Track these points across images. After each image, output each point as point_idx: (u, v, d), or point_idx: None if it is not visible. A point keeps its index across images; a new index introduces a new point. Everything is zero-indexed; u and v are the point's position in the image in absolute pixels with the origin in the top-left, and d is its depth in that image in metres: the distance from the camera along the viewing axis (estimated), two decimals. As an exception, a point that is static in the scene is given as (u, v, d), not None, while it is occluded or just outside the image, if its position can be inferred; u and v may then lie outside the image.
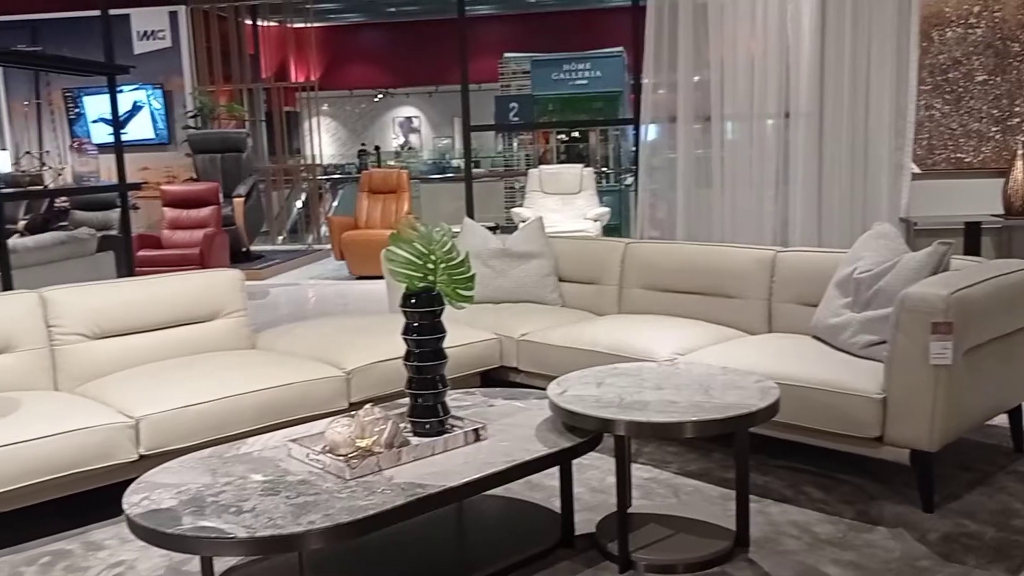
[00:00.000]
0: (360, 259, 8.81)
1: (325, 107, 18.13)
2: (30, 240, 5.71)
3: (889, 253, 3.28)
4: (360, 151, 17.92)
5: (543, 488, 3.14)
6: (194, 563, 2.66)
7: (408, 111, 21.27)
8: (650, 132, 5.46)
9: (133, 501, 2.23)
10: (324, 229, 11.69)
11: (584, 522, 2.86)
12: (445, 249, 2.57)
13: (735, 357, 3.26)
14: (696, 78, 5.22)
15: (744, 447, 2.69)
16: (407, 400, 2.68)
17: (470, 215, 5.38)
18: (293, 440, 2.55)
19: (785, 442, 3.22)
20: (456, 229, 3.82)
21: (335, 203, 13.72)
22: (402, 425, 2.56)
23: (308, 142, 13.63)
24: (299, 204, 13.17)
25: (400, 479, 2.32)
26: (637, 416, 2.48)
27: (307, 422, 2.90)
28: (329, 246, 10.09)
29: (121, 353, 3.64)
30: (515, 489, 3.05)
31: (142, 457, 3.06)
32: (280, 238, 12.39)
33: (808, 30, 4.80)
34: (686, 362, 3.31)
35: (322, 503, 2.16)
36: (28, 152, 11.78)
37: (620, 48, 11.43)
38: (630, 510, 2.69)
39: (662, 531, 2.76)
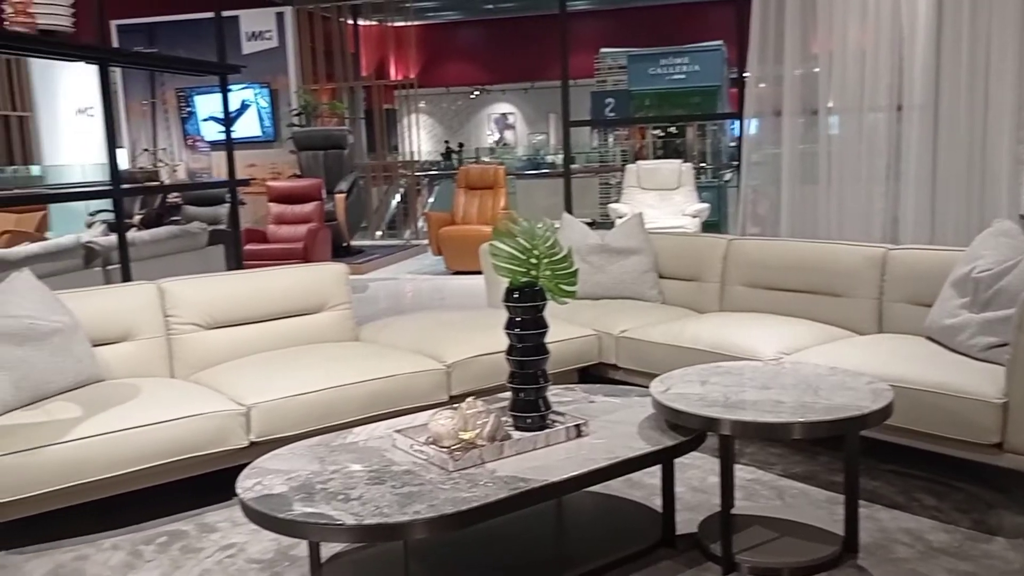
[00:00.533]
0: (457, 254, 8.91)
1: (422, 104, 18.37)
2: (146, 234, 5.97)
3: (1010, 252, 3.13)
4: (446, 150, 18.07)
5: (643, 486, 3.12)
6: (302, 548, 2.74)
7: (503, 107, 21.37)
8: (752, 127, 5.34)
9: (247, 486, 2.30)
10: (421, 224, 11.86)
11: (685, 522, 2.83)
12: (548, 244, 2.57)
13: (844, 357, 3.17)
14: (801, 71, 5.08)
15: (854, 450, 2.61)
16: (508, 394, 2.69)
17: (568, 211, 5.36)
18: (397, 431, 2.60)
19: (896, 446, 3.11)
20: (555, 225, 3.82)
21: (431, 199, 13.90)
22: (503, 419, 2.58)
23: (405, 139, 13.86)
24: (396, 200, 13.39)
25: (502, 472, 2.33)
26: (743, 415, 2.43)
27: (408, 414, 2.95)
28: (426, 241, 10.24)
29: (232, 343, 3.77)
30: (615, 486, 3.03)
31: (252, 444, 3.17)
32: (378, 233, 12.63)
33: (923, 18, 4.60)
34: (792, 362, 3.23)
35: (426, 494, 2.20)
36: (146, 149, 12.34)
37: (719, 42, 11.22)
38: (733, 511, 2.64)
39: (767, 533, 2.70)
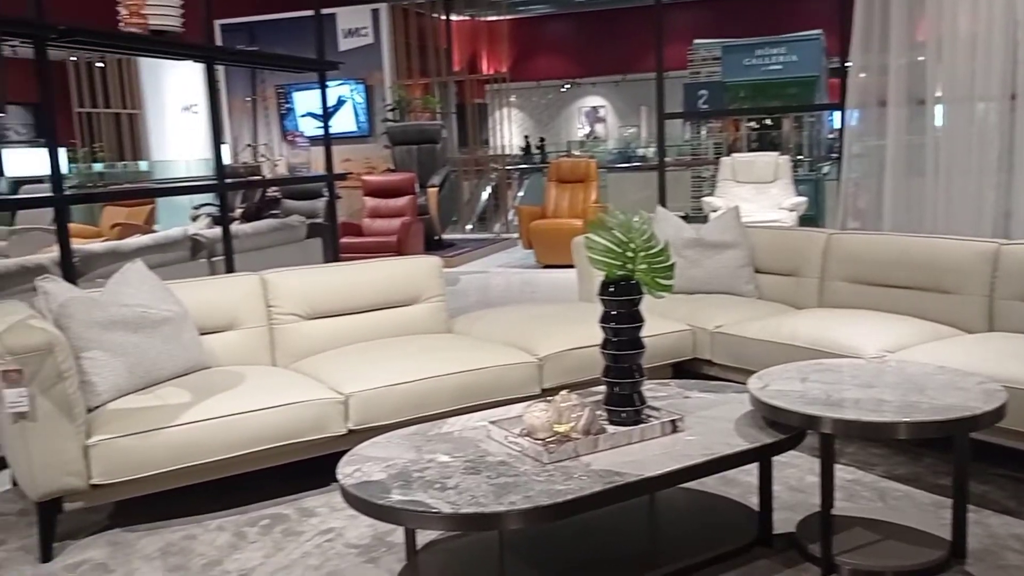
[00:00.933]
0: (547, 248, 8.91)
1: (513, 98, 18.43)
2: (248, 227, 6.17)
3: None
4: (525, 145, 18.06)
5: (739, 484, 3.07)
6: (398, 534, 2.79)
7: (594, 100, 21.27)
8: (853, 118, 5.18)
9: (346, 472, 2.36)
10: (512, 217, 11.91)
11: (781, 521, 2.77)
12: (645, 237, 2.55)
13: (952, 356, 3.05)
14: (906, 59, 4.90)
15: (964, 452, 2.52)
16: (602, 388, 2.69)
17: (662, 204, 5.30)
18: (492, 422, 2.62)
19: (1008, 450, 2.98)
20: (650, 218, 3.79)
21: (521, 193, 13.95)
22: (598, 413, 2.58)
23: (496, 133, 13.93)
24: (486, 194, 13.48)
25: (597, 466, 2.33)
26: (845, 414, 2.37)
27: (500, 406, 2.97)
28: (516, 235, 10.28)
29: (330, 333, 3.86)
30: (709, 483, 2.99)
31: (350, 431, 3.24)
32: (468, 227, 12.74)
33: (1040, 2, 4.39)
34: (897, 360, 3.12)
35: (521, 485, 2.21)
36: (249, 145, 12.75)
37: (818, 31, 10.91)
38: (833, 511, 2.57)
39: (868, 536, 2.63)
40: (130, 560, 2.80)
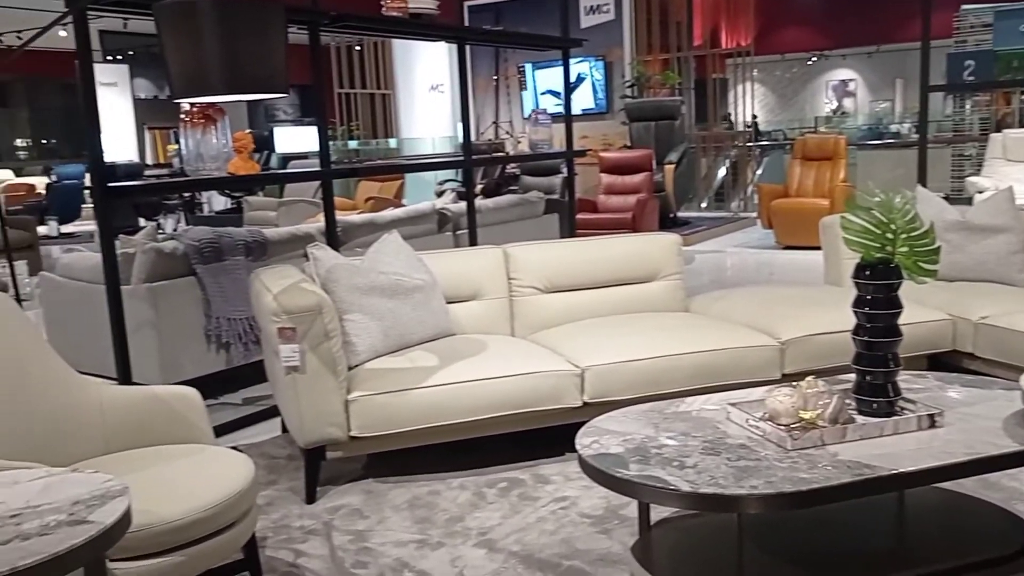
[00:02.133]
0: (789, 228, 8.56)
1: (755, 72, 17.77)
2: (490, 202, 6.41)
3: None
4: (752, 123, 17.17)
5: (1002, 489, 2.83)
6: (631, 508, 2.82)
7: (843, 74, 20.11)
8: None
9: (584, 443, 2.40)
10: (751, 194, 11.53)
11: (1054, 534, 2.52)
12: (907, 218, 2.39)
13: None
14: None
15: None
16: (851, 376, 2.55)
17: (922, 183, 4.93)
18: (731, 404, 2.57)
19: None
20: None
21: (759, 171, 13.46)
22: (847, 402, 2.45)
23: (736, 108, 13.50)
24: (723, 171, 13.13)
25: (844, 456, 2.22)
26: None
27: (736, 388, 2.90)
28: (755, 214, 9.94)
29: (567, 307, 3.95)
30: (967, 485, 2.77)
31: (585, 404, 3.31)
32: (704, 204, 12.48)
33: None
34: None
35: (763, 470, 2.16)
36: (494, 122, 13.20)
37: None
38: (1119, 529, 2.31)
39: None
40: (382, 508, 3.03)
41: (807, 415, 2.34)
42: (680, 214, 10.71)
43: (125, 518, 1.77)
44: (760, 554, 2.51)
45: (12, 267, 6.65)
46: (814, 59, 19.51)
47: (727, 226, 10.57)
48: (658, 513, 2.73)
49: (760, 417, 2.42)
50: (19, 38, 15.59)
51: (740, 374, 3.44)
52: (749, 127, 16.81)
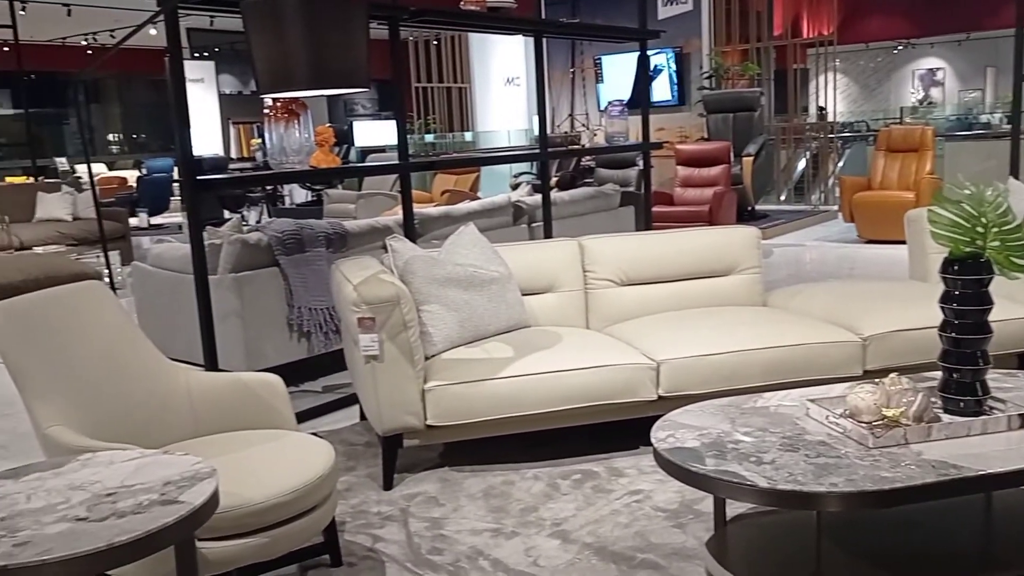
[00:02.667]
0: (872, 222, 8.35)
1: (837, 62, 17.36)
2: (566, 194, 6.40)
3: None
4: (821, 114, 16.60)
5: (1098, 494, 2.71)
6: (706, 503, 2.80)
7: (931, 63, 19.48)
8: None
9: (660, 437, 2.40)
10: (832, 187, 11.26)
11: None
12: (999, 212, 2.31)
13: None
14: None
15: None
16: (936, 374, 2.49)
17: (1014, 175, 4.75)
18: (811, 400, 2.53)
19: None
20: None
21: (840, 163, 13.13)
22: (932, 400, 2.39)
23: (816, 99, 13.18)
24: (802, 163, 12.85)
25: (929, 456, 2.17)
26: None
27: (815, 385, 2.85)
28: (835, 207, 9.71)
29: (642, 300, 3.93)
30: (1060, 489, 2.67)
31: (660, 398, 3.29)
32: (782, 197, 12.24)
33: None
34: None
35: (843, 467, 2.12)
36: (570, 115, 13.18)
37: None
38: None
39: None
40: (457, 497, 3.07)
41: (890, 413, 2.29)
42: (758, 207, 10.53)
43: (213, 499, 1.84)
44: (839, 553, 2.47)
45: (107, 257, 6.93)
46: (900, 48, 18.92)
47: (807, 219, 10.35)
48: (733, 509, 2.71)
49: (841, 414, 2.38)
50: (112, 36, 16.19)
51: (819, 370, 3.38)
52: (825, 119, 16.33)
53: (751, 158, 10.01)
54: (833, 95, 11.62)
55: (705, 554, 2.47)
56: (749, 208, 10.07)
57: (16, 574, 1.55)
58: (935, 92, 19.53)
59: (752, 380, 3.32)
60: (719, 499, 2.56)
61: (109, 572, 1.84)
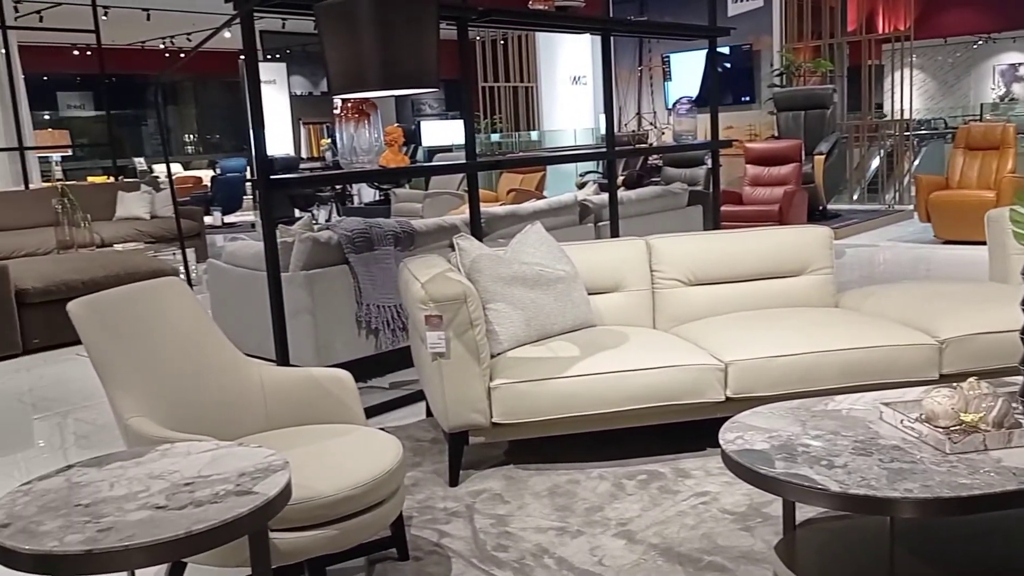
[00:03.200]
0: (949, 222, 8.11)
1: (913, 58, 16.89)
2: (633, 193, 6.36)
3: None
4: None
5: None
6: (774, 506, 2.76)
7: (1012, 57, 18.83)
8: None
9: (728, 439, 2.37)
10: (907, 185, 10.96)
11: None
12: (1086, 211, 2.23)
13: None
14: None
15: None
16: (1018, 379, 2.41)
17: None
18: (884, 404, 2.47)
19: None
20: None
21: (916, 161, 12.78)
22: (1013, 405, 2.32)
23: (891, 96, 12.85)
24: (876, 162, 12.54)
25: (1010, 463, 2.10)
26: None
27: (889, 388, 2.79)
28: (911, 206, 9.45)
29: (710, 300, 3.88)
30: None
31: (728, 399, 3.25)
32: (855, 196, 11.98)
33: None
34: None
35: (918, 473, 2.07)
36: (638, 113, 13.10)
37: None
38: None
39: None
40: (522, 495, 3.08)
41: (968, 418, 2.23)
42: (830, 207, 10.31)
43: (286, 491, 1.88)
44: (912, 561, 2.41)
45: (184, 255, 7.13)
46: (980, 42, 18.32)
47: (880, 219, 10.11)
48: (803, 513, 2.67)
49: (916, 418, 2.32)
50: (188, 40, 16.64)
51: (894, 373, 3.30)
52: (883, 116, 15.87)
53: (823, 156, 9.82)
54: (909, 91, 11.31)
55: (774, 558, 2.43)
56: (820, 207, 9.87)
57: (101, 558, 1.61)
58: (1017, 88, 18.87)
59: (823, 383, 3.26)
60: (788, 503, 2.52)
61: (185, 559, 1.90)
